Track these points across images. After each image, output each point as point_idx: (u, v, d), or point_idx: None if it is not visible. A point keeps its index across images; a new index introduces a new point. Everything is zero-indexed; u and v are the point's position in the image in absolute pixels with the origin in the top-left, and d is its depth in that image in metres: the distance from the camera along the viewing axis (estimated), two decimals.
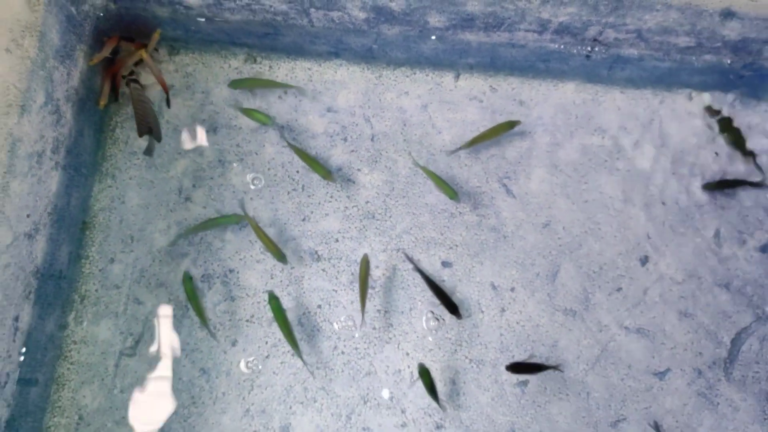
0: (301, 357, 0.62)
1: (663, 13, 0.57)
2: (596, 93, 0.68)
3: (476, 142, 0.64)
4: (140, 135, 0.64)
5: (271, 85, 0.67)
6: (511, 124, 0.64)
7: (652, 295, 0.65)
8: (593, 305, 0.65)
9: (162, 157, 0.68)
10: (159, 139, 0.63)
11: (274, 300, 0.62)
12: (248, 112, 0.66)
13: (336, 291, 0.65)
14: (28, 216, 0.57)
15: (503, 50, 0.65)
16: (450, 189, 0.64)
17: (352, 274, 0.65)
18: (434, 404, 0.62)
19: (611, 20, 0.58)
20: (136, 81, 0.62)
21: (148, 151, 0.63)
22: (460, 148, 0.65)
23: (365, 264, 0.61)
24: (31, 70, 0.55)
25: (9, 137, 0.54)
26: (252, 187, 0.67)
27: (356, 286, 0.65)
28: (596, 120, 0.68)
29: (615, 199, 0.66)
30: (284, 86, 0.67)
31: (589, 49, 0.63)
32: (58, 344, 0.64)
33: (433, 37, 0.64)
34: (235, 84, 0.66)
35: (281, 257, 0.63)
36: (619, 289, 0.65)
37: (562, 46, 0.63)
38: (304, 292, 0.65)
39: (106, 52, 0.64)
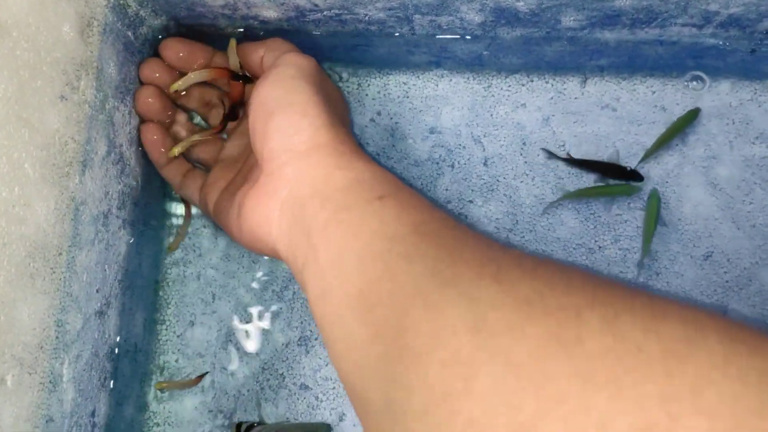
0: None
1: None
2: (755, 92, 0.56)
3: (659, 147, 0.55)
4: None
5: None
6: (694, 113, 0.54)
7: None
8: None
9: None
10: None
11: None
12: None
13: None
14: (97, 291, 0.48)
15: (647, 48, 0.53)
16: (619, 186, 0.55)
17: None
18: None
19: None
20: None
21: None
22: (642, 161, 0.55)
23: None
24: (89, 117, 0.45)
25: (71, 203, 0.44)
26: None
27: None
28: (757, 125, 0.56)
29: None
30: None
31: (757, 42, 0.51)
32: (139, 429, 0.55)
33: (562, 39, 0.52)
34: None
35: None
36: None
37: (722, 41, 0.52)
38: None
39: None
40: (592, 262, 0.55)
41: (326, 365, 0.55)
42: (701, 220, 0.55)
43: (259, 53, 0.49)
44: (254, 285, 0.56)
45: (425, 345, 0.27)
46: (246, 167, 0.48)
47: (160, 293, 0.57)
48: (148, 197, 0.55)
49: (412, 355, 0.28)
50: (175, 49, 0.52)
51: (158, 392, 0.55)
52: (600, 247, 0.55)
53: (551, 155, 0.56)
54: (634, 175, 0.54)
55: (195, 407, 0.55)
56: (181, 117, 0.55)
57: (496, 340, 0.25)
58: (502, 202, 0.56)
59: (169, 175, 0.54)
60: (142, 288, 0.54)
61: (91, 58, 0.46)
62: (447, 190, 0.56)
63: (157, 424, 0.55)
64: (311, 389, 0.55)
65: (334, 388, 0.55)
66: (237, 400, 0.55)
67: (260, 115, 0.42)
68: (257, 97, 0.42)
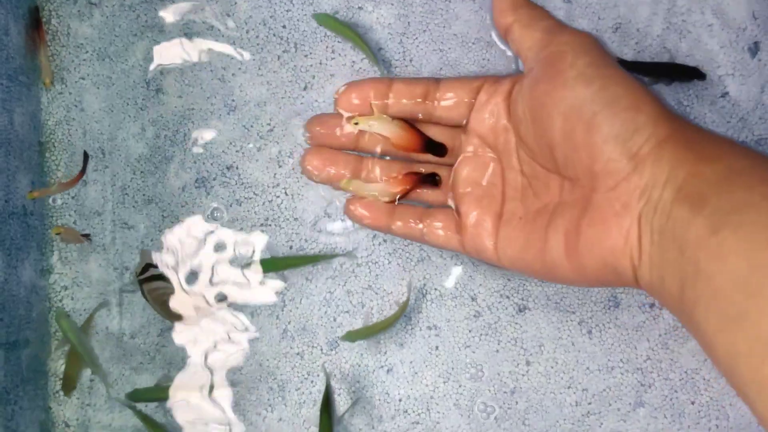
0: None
1: None
2: None
3: None
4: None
5: None
6: None
7: None
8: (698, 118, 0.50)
9: (115, 43, 0.54)
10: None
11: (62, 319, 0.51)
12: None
13: None
14: None
15: None
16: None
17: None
18: (513, 285, 0.49)
19: None
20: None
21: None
22: None
23: None
24: None
25: None
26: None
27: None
28: None
29: None
30: None
31: None
32: (45, 294, 0.53)
33: None
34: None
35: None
36: (725, 95, 0.49)
37: None
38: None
39: None
40: (492, 55, 0.51)
41: (229, 206, 0.52)
42: None
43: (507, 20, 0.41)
44: (144, 132, 0.53)
45: None
46: (513, 192, 0.41)
47: (47, 155, 0.53)
48: (10, 50, 0.51)
49: None
50: (348, 98, 0.45)
51: (60, 255, 0.53)
52: (499, 36, 0.51)
53: None
54: (696, 73, 0.48)
55: (100, 265, 0.53)
56: (369, 162, 0.47)
57: None
58: (392, 4, 0.52)
59: (406, 232, 0.45)
60: (20, 149, 0.51)
61: None
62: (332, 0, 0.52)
63: (65, 287, 0.53)
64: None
65: (241, 228, 0.52)
66: (141, 253, 0.52)
67: (577, 125, 0.35)
68: (561, 104, 0.35)
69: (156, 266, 0.51)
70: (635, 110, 0.34)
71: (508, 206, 0.41)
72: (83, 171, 0.52)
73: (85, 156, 0.52)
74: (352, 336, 0.49)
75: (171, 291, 0.51)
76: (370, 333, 0.49)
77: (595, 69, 0.35)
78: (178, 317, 0.51)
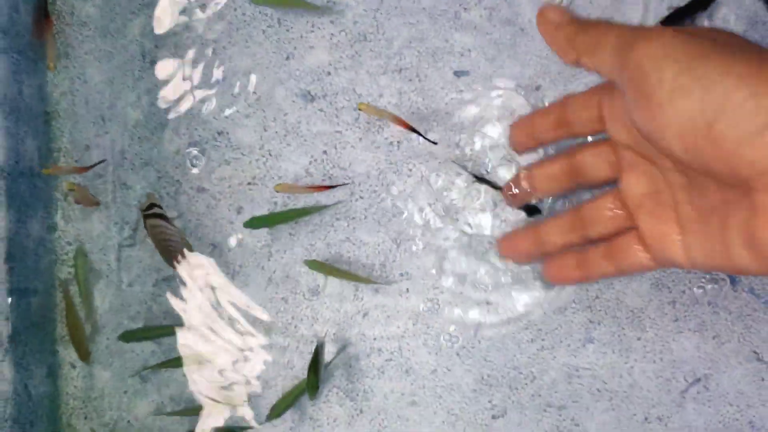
0: None
1: None
2: None
3: None
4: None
5: None
6: None
7: None
8: None
9: (115, 21, 0.59)
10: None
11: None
12: None
13: (340, 132, 0.57)
14: None
15: None
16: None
17: (354, 108, 0.56)
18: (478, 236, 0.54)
19: None
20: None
21: None
22: None
23: None
24: None
25: None
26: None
27: (362, 123, 0.56)
28: None
29: None
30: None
31: None
32: (51, 248, 0.58)
33: None
34: None
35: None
36: None
37: None
38: (305, 141, 0.57)
39: None
40: (459, 26, 0.56)
41: (219, 166, 0.57)
42: None
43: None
44: (140, 101, 0.58)
45: None
46: (680, 194, 0.36)
47: (53, 124, 0.59)
48: (20, 27, 0.56)
49: None
50: (518, 139, 0.47)
51: (64, 213, 0.58)
52: (465, 9, 0.56)
53: None
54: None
55: (101, 222, 0.58)
56: None
57: None
58: None
59: (601, 273, 0.43)
60: (29, 116, 0.56)
61: None
62: None
63: (68, 243, 0.58)
64: (208, 190, 0.57)
65: (229, 186, 0.57)
66: (138, 210, 0.57)
67: (697, 142, 0.30)
68: (670, 129, 0.30)
69: (161, 207, 0.56)
70: (754, 96, 0.28)
71: (681, 210, 0.36)
72: (94, 166, 0.56)
73: (101, 162, 0.57)
74: (314, 265, 0.55)
75: (171, 232, 0.56)
76: (332, 273, 0.55)
77: (689, 73, 0.29)
78: (174, 261, 0.56)
